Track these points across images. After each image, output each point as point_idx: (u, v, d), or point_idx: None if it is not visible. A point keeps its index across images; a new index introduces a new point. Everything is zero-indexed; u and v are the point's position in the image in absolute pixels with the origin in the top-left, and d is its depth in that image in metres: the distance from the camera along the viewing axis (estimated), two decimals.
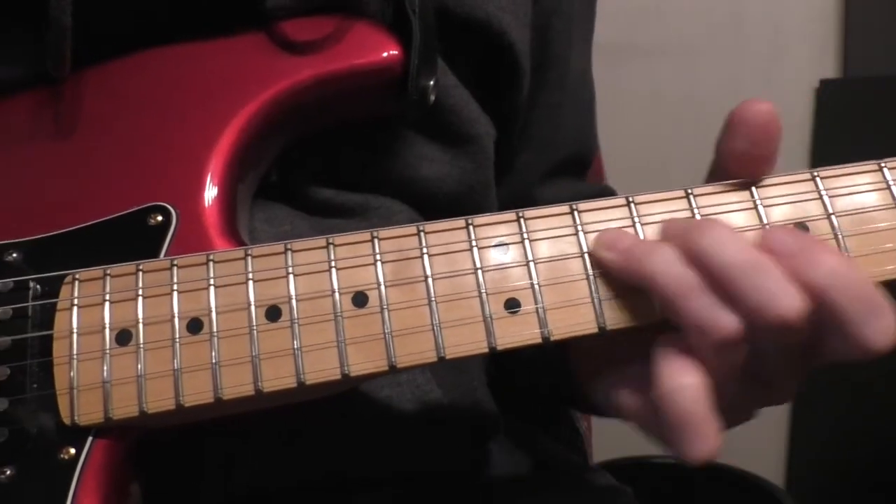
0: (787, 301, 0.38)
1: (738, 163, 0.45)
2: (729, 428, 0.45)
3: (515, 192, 0.69)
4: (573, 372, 0.54)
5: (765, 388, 0.43)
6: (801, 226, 0.44)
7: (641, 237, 0.45)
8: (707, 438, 0.40)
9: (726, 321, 0.39)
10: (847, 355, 0.40)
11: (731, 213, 0.45)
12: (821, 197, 0.45)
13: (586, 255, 0.44)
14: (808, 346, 0.41)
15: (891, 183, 0.45)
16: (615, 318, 0.44)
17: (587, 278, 0.44)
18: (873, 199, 0.45)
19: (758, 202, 0.45)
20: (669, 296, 0.41)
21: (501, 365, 0.71)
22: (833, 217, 0.44)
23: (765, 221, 0.44)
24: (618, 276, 0.43)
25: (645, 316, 0.44)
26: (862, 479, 1.58)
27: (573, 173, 0.75)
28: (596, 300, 0.44)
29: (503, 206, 0.67)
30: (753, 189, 0.45)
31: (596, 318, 0.44)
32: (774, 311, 0.38)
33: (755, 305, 0.39)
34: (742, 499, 1.38)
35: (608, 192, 0.75)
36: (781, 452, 1.77)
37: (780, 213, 0.45)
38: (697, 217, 0.45)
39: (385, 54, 0.53)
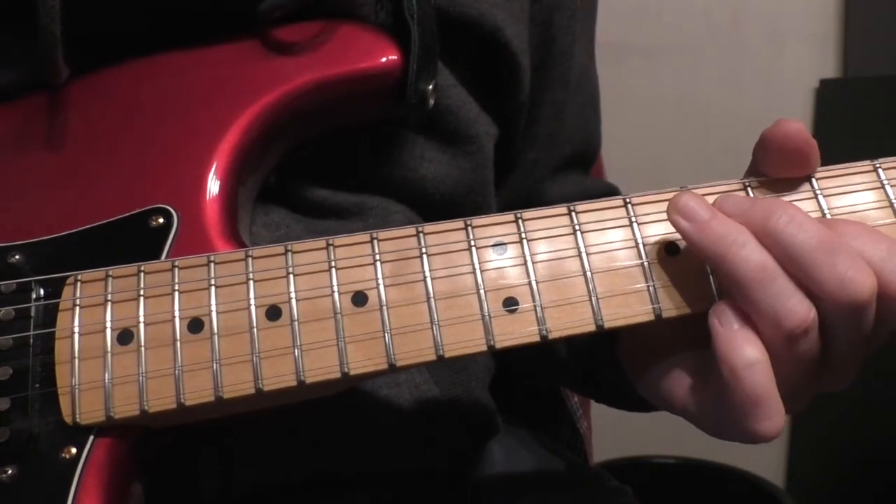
0: (861, 279, 0.39)
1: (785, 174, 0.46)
2: (788, 414, 0.45)
3: (522, 191, 0.69)
4: (622, 364, 0.54)
5: (828, 373, 0.43)
6: None
7: (639, 238, 0.45)
8: (779, 415, 0.41)
9: (801, 308, 0.40)
10: None
11: None
12: (815, 196, 0.45)
13: (584, 255, 0.45)
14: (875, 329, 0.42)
15: (885, 182, 0.45)
16: (612, 315, 0.44)
17: (584, 277, 0.44)
18: (868, 198, 0.45)
19: None
20: (746, 282, 0.41)
21: (508, 365, 0.71)
22: (828, 216, 0.45)
23: None
24: (690, 247, 0.44)
25: (641, 315, 0.44)
26: (862, 479, 1.58)
27: (579, 168, 0.75)
28: (593, 298, 0.44)
29: (509, 206, 0.67)
30: (749, 189, 0.46)
31: (593, 317, 0.44)
32: (852, 288, 0.39)
33: (830, 286, 0.39)
34: (742, 499, 1.38)
35: (613, 189, 0.75)
36: (781, 452, 1.78)
37: None
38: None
39: (384, 59, 0.53)
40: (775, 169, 0.46)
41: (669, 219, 0.44)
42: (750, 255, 0.41)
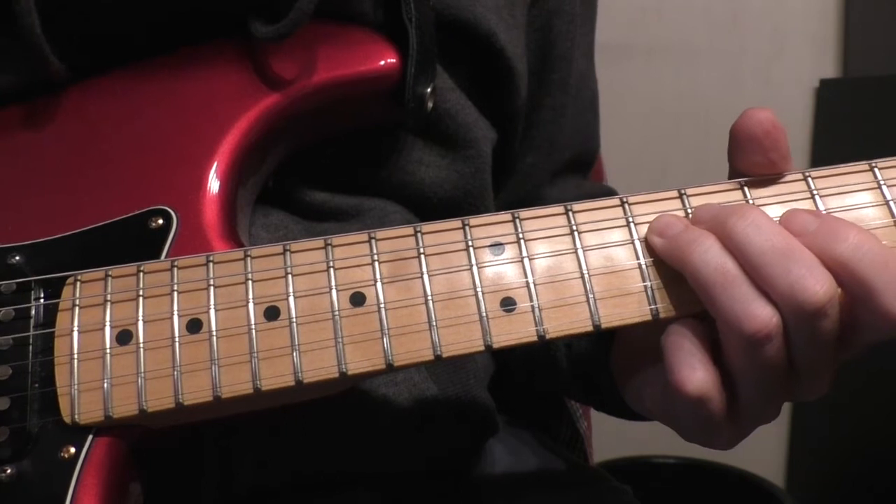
0: (816, 283, 0.39)
1: (758, 171, 0.46)
2: (758, 425, 0.46)
3: (520, 195, 0.70)
4: (611, 370, 0.55)
5: (796, 382, 0.44)
6: None
7: (636, 238, 0.45)
8: (732, 439, 0.44)
9: (760, 313, 0.40)
10: (878, 330, 0.41)
11: None
12: (812, 196, 0.45)
13: (581, 255, 0.45)
14: (840, 333, 0.41)
15: (882, 182, 0.45)
16: (610, 315, 0.44)
17: (582, 277, 0.44)
18: (864, 198, 0.45)
19: (751, 201, 0.45)
20: (706, 286, 0.42)
21: (507, 365, 0.71)
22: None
23: None
24: (666, 262, 0.44)
25: (638, 315, 0.44)
26: (862, 479, 1.58)
27: (577, 172, 0.75)
28: (591, 299, 0.44)
29: (508, 208, 0.67)
30: (746, 189, 0.46)
31: (591, 317, 0.44)
32: (804, 293, 0.39)
33: (787, 290, 0.40)
34: (742, 499, 1.38)
35: (610, 192, 0.75)
36: (781, 452, 1.77)
37: (772, 213, 0.45)
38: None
39: (382, 62, 0.53)
40: (749, 161, 0.46)
41: (648, 241, 0.45)
42: (711, 259, 0.42)
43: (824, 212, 0.45)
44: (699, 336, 0.43)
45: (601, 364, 0.57)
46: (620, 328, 0.44)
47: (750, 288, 0.41)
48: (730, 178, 0.47)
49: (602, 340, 0.57)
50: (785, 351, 0.41)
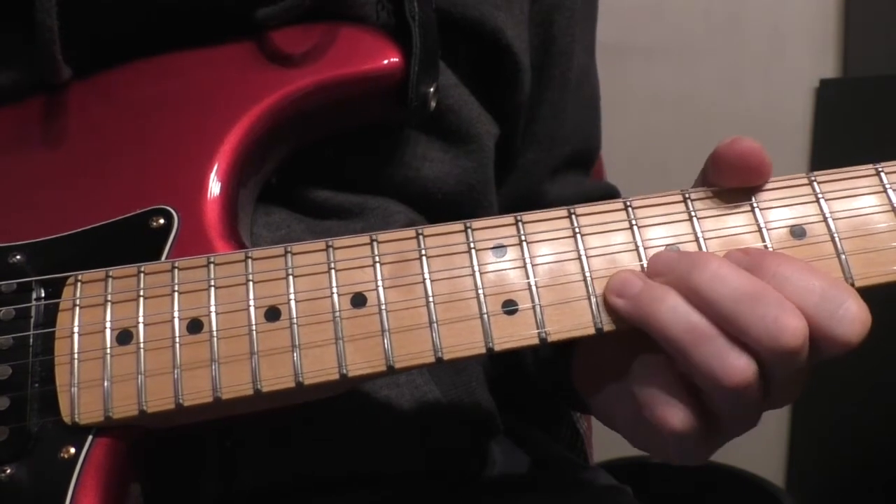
0: (789, 324, 0.39)
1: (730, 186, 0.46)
2: (735, 436, 0.45)
3: (521, 191, 0.69)
4: (573, 382, 0.55)
5: (770, 401, 0.43)
6: (798, 228, 0.45)
7: (639, 241, 0.45)
8: (699, 457, 0.43)
9: (737, 365, 0.40)
10: (832, 352, 0.41)
11: (729, 215, 0.45)
12: (818, 200, 0.45)
13: (583, 258, 0.45)
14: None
15: (888, 186, 0.45)
16: (612, 320, 0.44)
17: (584, 280, 0.44)
18: (870, 202, 0.45)
19: (755, 205, 0.45)
20: (677, 346, 0.41)
21: (503, 363, 0.71)
22: (830, 220, 0.45)
23: (761, 224, 0.45)
24: (629, 323, 0.43)
25: None
26: (862, 479, 1.58)
27: (578, 169, 0.75)
28: (593, 302, 0.44)
29: (509, 204, 0.67)
30: (750, 192, 0.46)
31: (593, 320, 0.44)
32: (782, 337, 0.39)
33: (761, 335, 0.39)
34: (742, 499, 1.38)
35: (612, 191, 0.75)
36: (781, 452, 1.77)
37: (777, 216, 0.45)
38: (695, 221, 0.45)
39: (385, 61, 0.53)
40: (727, 183, 0.46)
41: (608, 303, 0.44)
42: (678, 318, 0.41)
43: (829, 216, 0.45)
44: (673, 371, 0.42)
45: (563, 376, 0.56)
46: (623, 332, 0.44)
47: (723, 341, 0.40)
48: (698, 184, 0.47)
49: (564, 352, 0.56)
50: (764, 385, 0.41)
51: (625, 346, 0.45)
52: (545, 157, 0.70)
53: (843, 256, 0.44)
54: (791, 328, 0.39)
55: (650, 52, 1.68)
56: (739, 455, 1.37)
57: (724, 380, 0.40)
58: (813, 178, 0.46)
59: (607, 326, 0.44)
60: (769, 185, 0.46)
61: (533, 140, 0.69)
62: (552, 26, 0.66)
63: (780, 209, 0.45)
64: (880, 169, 0.46)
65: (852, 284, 0.43)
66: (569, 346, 0.55)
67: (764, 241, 0.44)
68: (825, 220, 0.45)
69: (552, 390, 0.66)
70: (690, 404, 0.42)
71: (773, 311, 0.39)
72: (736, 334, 0.40)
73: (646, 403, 0.43)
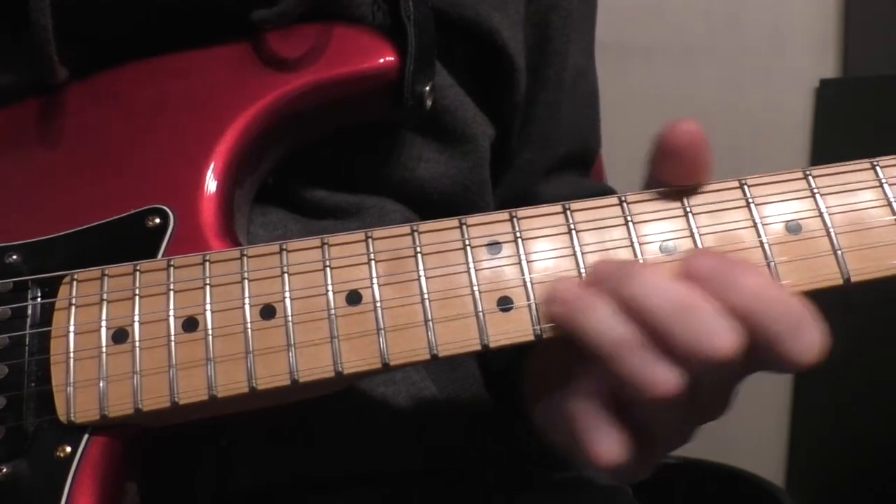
0: (721, 338, 0.38)
1: (677, 181, 0.45)
2: (670, 451, 0.45)
3: (516, 191, 0.69)
4: (522, 394, 0.54)
5: (701, 413, 0.43)
6: (794, 224, 0.45)
7: (634, 237, 0.45)
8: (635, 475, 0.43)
9: (665, 377, 0.39)
10: (779, 370, 0.41)
11: (724, 210, 0.45)
12: (813, 195, 0.45)
13: (579, 254, 0.45)
14: (742, 368, 0.41)
15: (883, 181, 0.45)
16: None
17: (580, 276, 0.44)
18: (866, 196, 0.45)
19: (750, 200, 0.45)
20: (604, 356, 0.40)
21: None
22: (825, 214, 0.44)
23: (757, 220, 0.45)
24: (562, 331, 0.42)
25: None
26: (862, 479, 1.58)
27: (575, 170, 0.75)
28: None
29: (503, 206, 0.67)
30: (746, 188, 0.45)
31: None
32: (709, 350, 0.38)
33: (691, 349, 0.38)
34: (742, 499, 1.38)
35: (608, 192, 0.75)
36: (781, 452, 1.77)
37: (772, 211, 0.45)
38: (691, 218, 0.45)
39: (381, 60, 0.53)
40: (670, 173, 0.45)
41: (544, 309, 0.43)
42: (605, 328, 0.40)
43: (825, 211, 0.44)
44: (604, 397, 0.42)
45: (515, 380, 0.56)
46: None
47: (650, 353, 0.39)
48: (646, 186, 0.46)
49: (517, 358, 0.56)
50: (695, 396, 0.41)
51: (568, 361, 0.44)
52: (539, 157, 0.70)
53: (839, 252, 0.44)
54: (722, 342, 0.38)
55: (650, 52, 1.68)
56: (739, 455, 1.37)
57: (650, 391, 0.39)
58: (808, 173, 0.45)
59: (546, 333, 0.43)
60: (765, 181, 0.46)
61: (528, 140, 0.69)
62: (548, 27, 0.66)
63: (776, 204, 0.45)
64: (876, 163, 0.45)
65: (848, 280, 0.43)
66: (520, 359, 0.54)
67: (760, 236, 0.44)
68: (821, 215, 0.44)
69: (496, 403, 0.65)
70: (621, 434, 0.42)
71: (704, 324, 0.38)
72: (666, 346, 0.39)
73: (578, 437, 0.42)
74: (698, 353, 0.38)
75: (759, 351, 0.39)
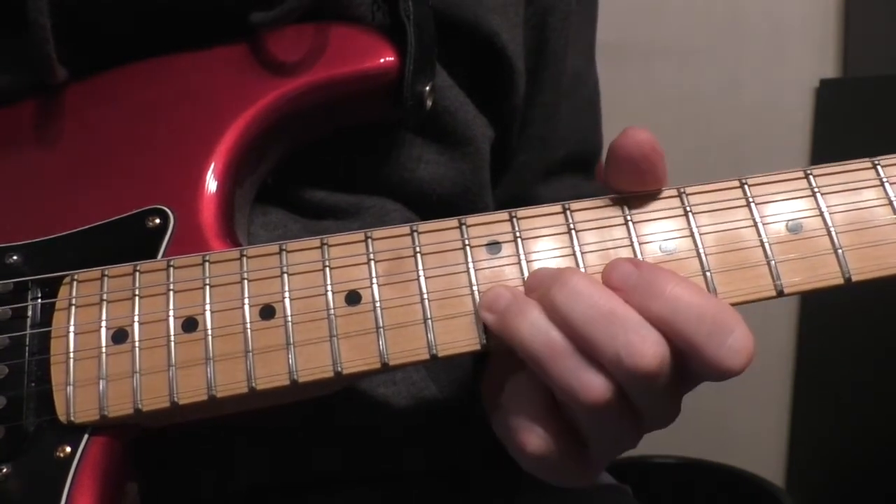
0: (644, 348, 0.38)
1: (631, 189, 0.45)
2: (613, 457, 0.45)
3: (515, 193, 0.69)
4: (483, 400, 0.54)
5: (644, 422, 0.43)
6: (795, 223, 0.45)
7: (634, 237, 0.45)
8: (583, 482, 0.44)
9: (594, 383, 0.39)
10: (709, 377, 0.40)
11: (724, 210, 0.45)
12: (814, 194, 0.45)
13: (578, 254, 0.45)
14: (677, 378, 0.41)
15: (884, 180, 0.45)
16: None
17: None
18: (867, 195, 0.45)
19: (750, 200, 0.45)
20: (535, 360, 0.40)
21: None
22: (826, 214, 0.44)
23: (757, 219, 0.45)
24: (498, 338, 0.42)
25: None
26: (862, 479, 1.58)
27: (576, 172, 0.75)
28: None
29: (501, 207, 0.67)
30: (746, 187, 0.45)
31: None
32: (632, 359, 0.38)
33: (615, 358, 0.39)
34: (742, 499, 1.38)
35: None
36: (781, 452, 1.77)
37: (772, 210, 0.45)
38: (691, 217, 0.45)
39: (381, 60, 0.53)
40: (625, 181, 0.45)
41: (481, 317, 0.43)
42: (536, 333, 0.40)
43: (825, 210, 0.44)
44: (539, 392, 0.42)
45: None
46: None
47: (579, 359, 0.40)
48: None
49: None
50: (627, 405, 0.41)
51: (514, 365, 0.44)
52: (537, 159, 0.70)
53: (839, 251, 0.44)
54: (644, 352, 0.38)
55: (650, 52, 1.68)
56: (739, 455, 1.37)
57: (579, 397, 0.39)
58: (809, 172, 0.45)
59: (488, 341, 0.43)
60: (765, 180, 0.46)
61: (526, 143, 0.69)
62: (546, 29, 0.66)
63: (776, 204, 0.45)
64: (877, 162, 0.45)
65: (849, 279, 0.43)
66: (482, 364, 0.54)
67: (760, 235, 0.44)
68: (821, 214, 0.44)
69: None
70: (550, 428, 0.42)
71: (627, 334, 0.39)
72: (590, 353, 0.39)
73: (509, 426, 0.43)
74: (619, 361, 0.38)
75: (686, 358, 0.40)
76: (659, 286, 0.40)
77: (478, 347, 0.43)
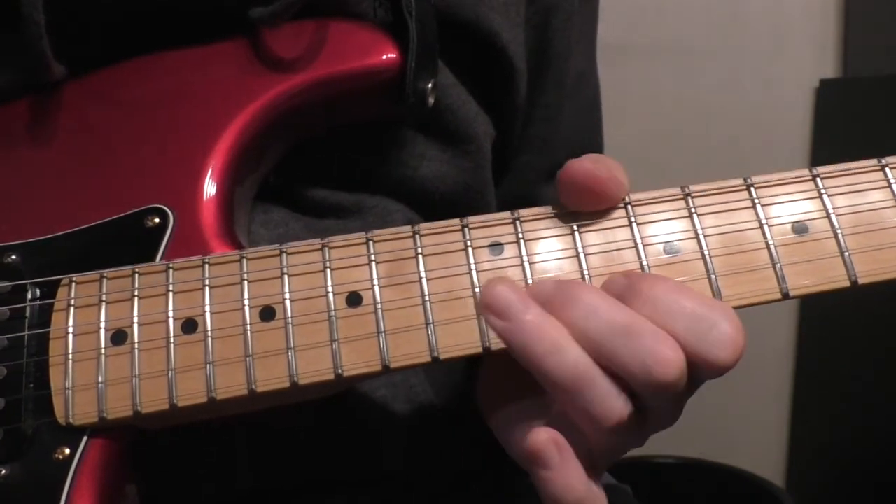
0: (668, 352, 0.38)
1: (587, 208, 0.45)
2: (612, 460, 0.45)
3: (516, 193, 0.69)
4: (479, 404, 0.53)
5: (647, 430, 0.43)
6: (801, 225, 0.44)
7: (638, 238, 0.44)
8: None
9: (616, 408, 0.39)
10: (708, 377, 0.40)
11: (730, 211, 0.45)
12: (820, 196, 0.45)
13: (581, 255, 0.44)
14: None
15: (892, 181, 0.45)
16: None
17: (582, 278, 0.44)
18: (875, 197, 0.44)
19: (756, 201, 0.45)
20: (562, 390, 0.40)
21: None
22: (833, 216, 0.44)
23: (763, 220, 0.44)
24: (507, 347, 0.42)
25: None
26: (862, 479, 1.58)
27: None
28: None
29: (504, 207, 0.66)
30: (752, 189, 0.45)
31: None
32: (659, 369, 0.38)
33: (635, 371, 0.38)
34: (742, 499, 1.38)
35: None
36: (781, 452, 1.77)
37: (778, 212, 0.44)
38: (696, 218, 0.45)
39: (383, 57, 0.52)
40: (580, 203, 0.45)
41: (481, 313, 0.42)
42: (567, 362, 0.39)
43: (832, 212, 0.44)
44: (543, 415, 0.42)
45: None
46: None
47: (603, 386, 0.39)
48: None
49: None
50: (641, 416, 0.41)
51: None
52: (538, 160, 0.70)
53: (846, 254, 0.43)
54: (668, 360, 0.38)
55: (650, 52, 1.68)
56: (739, 455, 1.37)
57: (603, 424, 0.39)
58: (816, 174, 0.45)
59: (492, 345, 0.43)
60: (771, 181, 0.45)
61: (528, 143, 0.68)
62: (548, 29, 0.66)
63: (783, 205, 0.45)
64: (885, 164, 0.45)
65: (855, 282, 0.43)
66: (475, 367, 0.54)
67: (766, 237, 0.44)
68: (828, 216, 0.44)
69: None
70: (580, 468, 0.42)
71: (647, 345, 0.38)
72: (614, 370, 0.39)
73: (513, 444, 0.43)
74: (644, 374, 0.38)
75: (698, 371, 0.39)
76: (645, 289, 0.40)
77: (480, 350, 0.43)
